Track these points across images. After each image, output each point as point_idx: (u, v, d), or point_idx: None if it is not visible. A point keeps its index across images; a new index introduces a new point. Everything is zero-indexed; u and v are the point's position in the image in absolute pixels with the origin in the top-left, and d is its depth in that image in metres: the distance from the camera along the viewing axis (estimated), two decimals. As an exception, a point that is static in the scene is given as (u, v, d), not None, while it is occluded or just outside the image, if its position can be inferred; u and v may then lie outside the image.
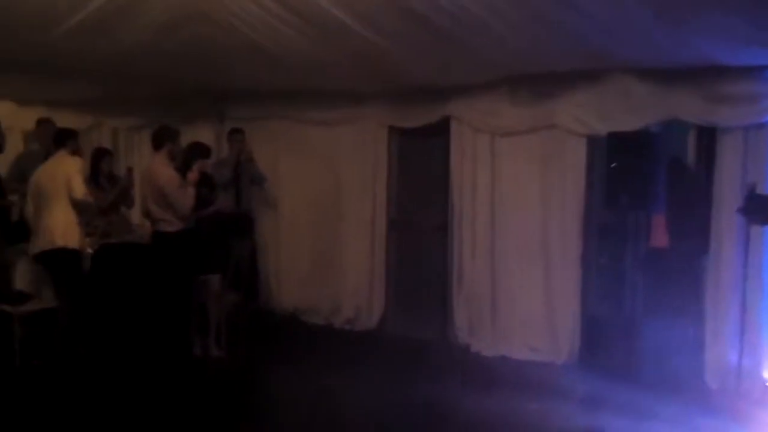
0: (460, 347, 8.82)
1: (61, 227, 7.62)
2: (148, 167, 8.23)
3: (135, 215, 9.11)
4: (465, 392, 7.40)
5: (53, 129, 8.61)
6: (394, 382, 7.67)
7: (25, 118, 10.52)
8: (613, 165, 7.60)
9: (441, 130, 9.00)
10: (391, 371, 8.03)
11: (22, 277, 7.87)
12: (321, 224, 9.99)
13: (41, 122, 9.38)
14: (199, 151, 8.43)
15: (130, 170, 8.64)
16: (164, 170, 7.99)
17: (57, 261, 7.63)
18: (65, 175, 7.65)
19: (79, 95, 10.81)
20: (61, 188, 7.62)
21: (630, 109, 7.62)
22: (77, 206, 7.64)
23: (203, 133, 9.68)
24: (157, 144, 8.13)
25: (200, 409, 6.91)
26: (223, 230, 8.63)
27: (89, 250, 8.03)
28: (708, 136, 7.65)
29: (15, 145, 10.24)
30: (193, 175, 8.00)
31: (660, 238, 7.86)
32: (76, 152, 7.96)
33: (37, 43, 7.51)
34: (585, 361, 8.06)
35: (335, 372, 7.98)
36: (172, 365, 7.75)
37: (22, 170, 8.83)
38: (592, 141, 8.04)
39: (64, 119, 9.74)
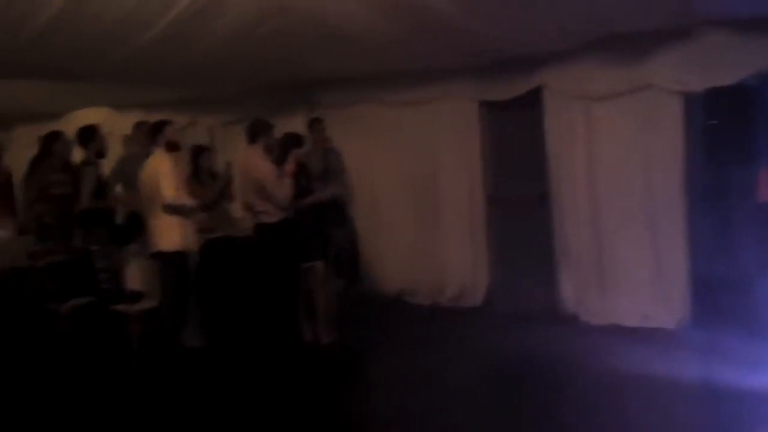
0: (568, 318, 8.75)
1: (160, 230, 7.65)
2: (245, 161, 8.32)
3: (236, 209, 9.23)
4: (574, 361, 7.35)
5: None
6: (501, 356, 7.68)
7: (124, 123, 10.77)
8: (712, 122, 7.42)
9: (533, 100, 8.92)
10: (499, 346, 8.02)
11: (132, 276, 8.05)
12: (419, 205, 10.00)
13: (138, 125, 9.57)
14: (293, 141, 8.50)
15: (228, 165, 8.77)
16: (261, 163, 8.09)
17: (161, 263, 7.76)
18: (156, 176, 7.62)
19: (173, 96, 11.02)
20: (156, 190, 7.62)
21: (726, 62, 7.44)
22: (168, 209, 7.59)
23: (295, 124, 9.74)
24: (252, 137, 8.24)
25: (313, 396, 6.99)
26: (322, 218, 8.69)
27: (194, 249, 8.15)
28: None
29: (115, 150, 10.46)
30: (290, 166, 8.09)
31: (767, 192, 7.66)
32: (172, 145, 7.86)
33: (128, 49, 7.68)
34: (698, 323, 7.90)
35: (442, 351, 8.01)
36: (284, 353, 7.88)
37: (125, 173, 9.05)
38: (690, 99, 7.88)
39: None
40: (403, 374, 7.46)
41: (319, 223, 8.55)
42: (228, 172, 8.70)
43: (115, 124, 11.30)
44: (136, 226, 8.53)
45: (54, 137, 9.14)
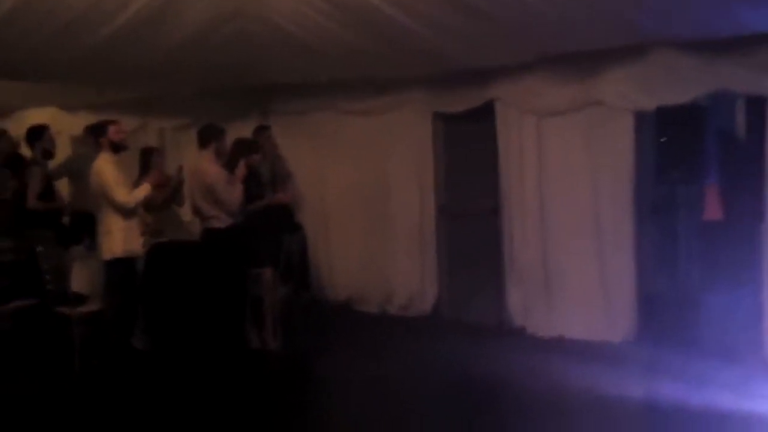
0: (515, 329, 8.79)
1: (106, 233, 7.58)
2: (195, 165, 8.28)
3: (185, 213, 9.16)
4: (520, 373, 7.37)
5: None
6: (448, 367, 7.69)
7: (72, 123, 10.67)
8: (662, 139, 7.52)
9: (486, 113, 8.97)
10: (445, 356, 8.03)
11: (78, 278, 7.95)
12: (370, 213, 9.99)
13: (87, 128, 9.45)
14: (246, 147, 8.47)
15: (180, 168, 8.72)
16: (211, 168, 8.05)
17: (107, 266, 7.65)
18: (100, 181, 7.53)
19: (123, 97, 10.91)
20: (101, 195, 7.54)
21: (677, 82, 7.53)
22: (127, 212, 7.57)
23: (248, 129, 9.68)
24: (203, 142, 8.20)
25: (261, 401, 6.95)
26: (273, 224, 8.66)
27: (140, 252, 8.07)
28: (757, 107, 7.52)
29: (64, 151, 10.35)
30: (240, 171, 8.07)
31: (714, 210, 7.77)
32: (116, 146, 7.70)
33: (80, 49, 7.60)
34: (643, 337, 7.97)
35: (390, 359, 8.01)
36: (230, 359, 7.82)
37: (72, 171, 8.97)
38: (640, 116, 7.96)
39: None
40: (347, 382, 7.44)
41: (269, 228, 8.51)
42: (179, 176, 8.65)
43: (64, 125, 11.17)
44: (83, 227, 8.45)
45: None
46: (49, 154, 8.90)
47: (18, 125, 10.50)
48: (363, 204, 10.04)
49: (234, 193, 7.96)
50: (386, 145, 9.82)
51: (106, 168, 7.56)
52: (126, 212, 7.53)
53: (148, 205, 8.16)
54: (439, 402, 6.87)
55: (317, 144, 10.23)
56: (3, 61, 8.07)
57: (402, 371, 7.61)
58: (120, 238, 7.56)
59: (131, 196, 7.55)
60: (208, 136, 8.19)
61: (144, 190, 7.66)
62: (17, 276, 8.33)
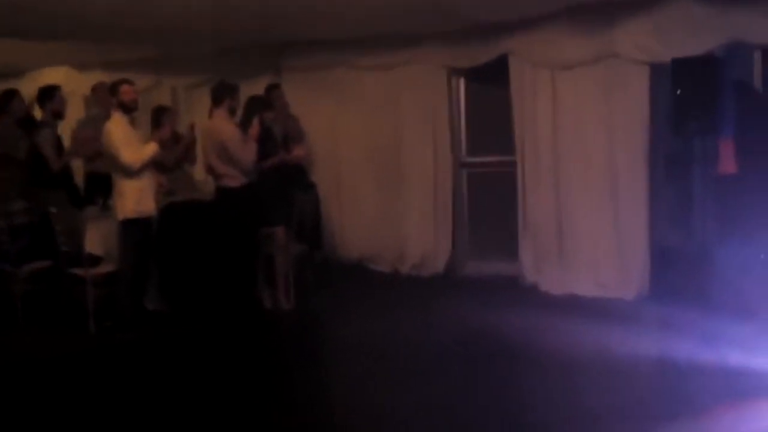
0: (528, 287, 8.77)
1: (119, 194, 7.61)
2: (209, 124, 8.23)
3: (198, 172, 9.15)
4: (531, 330, 7.33)
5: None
6: (460, 324, 7.67)
7: (85, 83, 10.61)
8: (678, 92, 7.40)
9: (501, 68, 8.88)
10: (454, 315, 8.00)
11: (92, 239, 7.96)
12: (383, 171, 9.94)
13: (95, 87, 9.43)
14: (259, 104, 8.42)
15: (192, 126, 8.67)
16: (225, 126, 8.01)
17: (121, 227, 7.67)
18: (112, 141, 7.52)
19: (136, 55, 10.87)
20: (114, 156, 7.53)
21: (693, 32, 7.45)
22: (136, 172, 7.54)
23: (261, 87, 9.63)
24: (217, 100, 8.14)
25: (272, 361, 6.97)
26: (285, 183, 8.63)
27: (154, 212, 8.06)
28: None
29: (78, 111, 10.34)
30: (254, 129, 8.01)
31: (728, 164, 7.64)
32: (128, 106, 7.66)
33: (95, 5, 7.55)
34: (656, 293, 7.92)
35: (401, 318, 8.01)
36: (243, 319, 7.85)
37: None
38: (656, 68, 7.85)
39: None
40: (360, 342, 7.39)
41: (282, 187, 8.49)
42: (191, 134, 8.61)
43: (77, 84, 11.13)
44: (97, 188, 8.45)
45: (9, 96, 9.00)
46: (59, 114, 8.86)
47: (31, 85, 10.50)
48: (376, 162, 9.98)
49: (247, 151, 7.92)
50: (400, 101, 9.76)
51: (116, 129, 7.54)
52: (133, 172, 7.50)
53: (160, 164, 8.14)
54: (448, 359, 6.82)
55: (330, 101, 10.16)
56: (15, 20, 8.03)
57: (412, 330, 7.59)
58: (132, 198, 7.56)
59: (137, 155, 7.51)
60: (221, 94, 8.13)
61: (150, 149, 7.63)
62: (32, 238, 8.37)
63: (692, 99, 7.35)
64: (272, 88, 9.55)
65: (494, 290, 8.77)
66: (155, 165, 7.91)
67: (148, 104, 9.08)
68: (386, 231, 9.93)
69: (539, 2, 7.95)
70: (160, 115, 8.70)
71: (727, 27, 7.24)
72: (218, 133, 8.00)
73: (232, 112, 8.12)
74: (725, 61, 7.51)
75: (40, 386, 6.45)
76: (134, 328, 7.61)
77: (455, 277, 9.49)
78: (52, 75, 11.18)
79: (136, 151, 7.53)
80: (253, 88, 9.29)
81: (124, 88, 7.65)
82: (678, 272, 7.73)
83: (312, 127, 9.93)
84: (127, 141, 7.52)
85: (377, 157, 9.96)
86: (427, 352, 7.00)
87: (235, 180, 7.98)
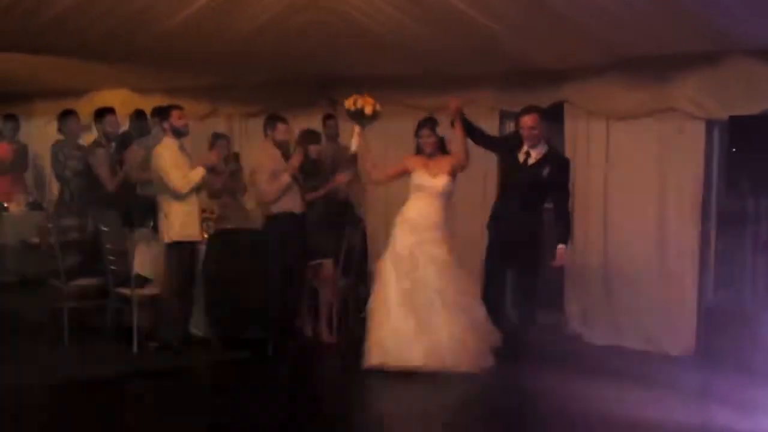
0: (572, 336, 8.68)
1: (168, 218, 7.70)
2: (256, 153, 8.39)
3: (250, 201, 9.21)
4: (574, 383, 7.25)
5: None
6: (502, 373, 7.53)
7: (143, 105, 10.76)
8: (733, 149, 7.36)
9: (556, 115, 8.86)
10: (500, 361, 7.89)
11: (140, 261, 8.02)
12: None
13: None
14: (305, 137, 8.48)
15: (236, 155, 8.76)
16: (261, 156, 8.17)
17: (168, 250, 7.76)
18: (162, 166, 7.65)
19: (195, 83, 11.03)
20: (162, 180, 7.66)
21: (752, 92, 7.38)
22: (186, 195, 7.66)
23: (315, 120, 9.69)
24: (264, 130, 8.26)
25: (309, 393, 7.03)
26: (334, 216, 8.66)
27: (203, 237, 8.11)
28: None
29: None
30: (293, 160, 8.04)
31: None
32: (179, 131, 7.78)
33: (155, 32, 7.70)
34: (703, 353, 7.79)
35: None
36: (283, 349, 7.85)
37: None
38: (712, 124, 7.81)
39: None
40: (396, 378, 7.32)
41: (331, 220, 8.52)
42: (236, 163, 8.68)
43: (134, 107, 11.27)
44: (148, 210, 8.54)
45: (65, 116, 9.16)
46: (110, 136, 9.00)
47: (88, 106, 10.68)
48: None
49: (271, 185, 7.92)
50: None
51: (165, 152, 7.66)
52: (181, 196, 7.60)
53: (208, 190, 8.24)
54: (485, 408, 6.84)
55: (381, 138, 10.15)
56: (79, 42, 8.20)
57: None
58: (177, 221, 7.65)
59: (185, 179, 7.60)
60: (265, 126, 8.27)
61: (198, 174, 7.70)
62: (82, 255, 8.48)
63: (748, 157, 7.29)
64: (327, 119, 9.64)
65: (538, 338, 8.58)
66: (206, 191, 8.01)
67: (205, 130, 9.19)
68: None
69: (595, 53, 7.96)
70: (213, 141, 8.85)
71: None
72: (254, 162, 8.22)
73: (277, 143, 8.17)
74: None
75: (77, 406, 6.54)
76: (177, 352, 7.66)
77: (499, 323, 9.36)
78: (110, 96, 11.39)
79: (185, 175, 7.63)
80: (309, 119, 9.34)
81: (175, 113, 7.77)
82: (725, 333, 7.60)
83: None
84: (176, 165, 7.62)
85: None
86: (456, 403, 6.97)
87: (280, 208, 8.02)
